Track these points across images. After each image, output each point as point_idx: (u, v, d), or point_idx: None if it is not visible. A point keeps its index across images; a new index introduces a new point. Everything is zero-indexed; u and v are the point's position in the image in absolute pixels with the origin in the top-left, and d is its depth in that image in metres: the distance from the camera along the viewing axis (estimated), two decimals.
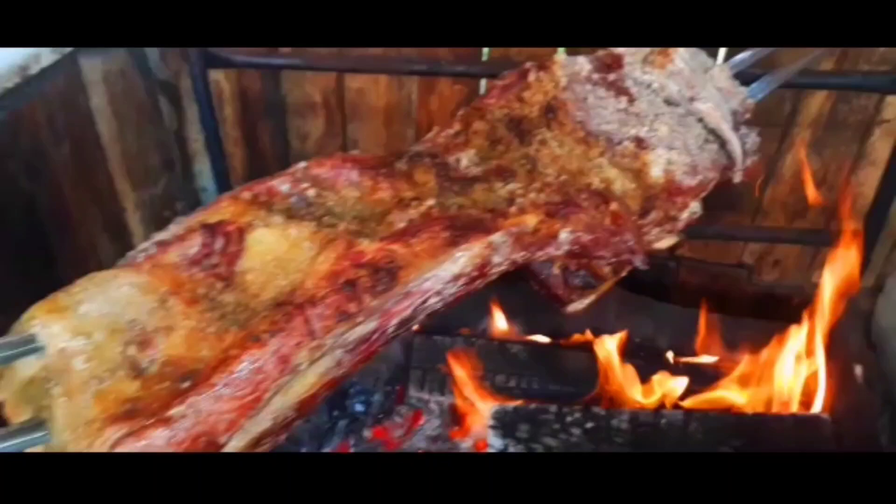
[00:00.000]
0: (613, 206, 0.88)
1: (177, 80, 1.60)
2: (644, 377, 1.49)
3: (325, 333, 0.71)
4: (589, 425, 1.39)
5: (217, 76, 1.59)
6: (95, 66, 1.42)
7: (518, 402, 1.42)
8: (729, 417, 1.43)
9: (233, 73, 1.59)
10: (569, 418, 1.40)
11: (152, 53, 1.54)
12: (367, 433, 1.52)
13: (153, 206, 1.66)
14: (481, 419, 1.46)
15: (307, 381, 0.77)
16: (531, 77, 1.03)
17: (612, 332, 1.56)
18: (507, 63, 1.27)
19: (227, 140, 1.69)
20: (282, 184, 0.85)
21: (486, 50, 1.48)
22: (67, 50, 1.34)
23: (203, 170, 1.73)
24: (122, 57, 1.47)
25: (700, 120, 1.04)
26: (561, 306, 1.11)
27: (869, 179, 1.51)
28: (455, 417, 1.53)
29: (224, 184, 1.56)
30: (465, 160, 0.93)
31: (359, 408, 1.58)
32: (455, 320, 1.67)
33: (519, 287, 1.12)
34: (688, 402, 1.48)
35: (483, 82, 1.54)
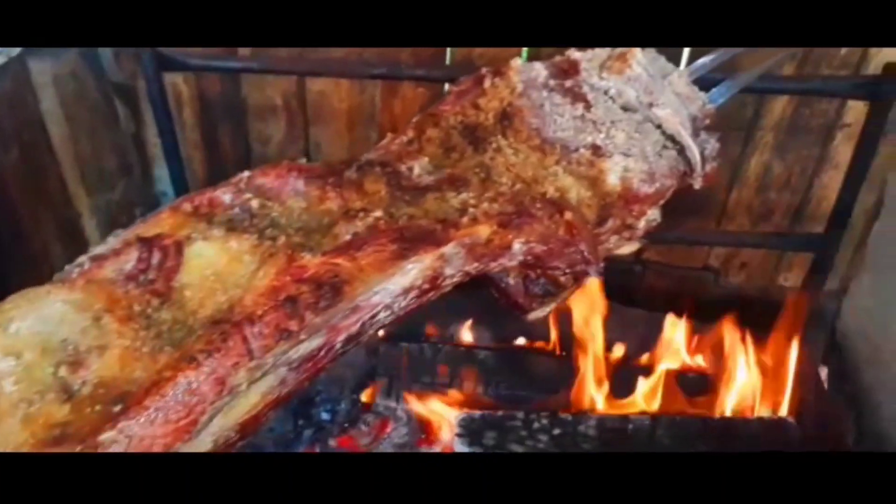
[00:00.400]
0: (568, 215, 0.87)
1: (133, 82, 1.56)
2: (612, 384, 1.48)
3: (265, 353, 0.68)
4: (556, 431, 1.39)
5: (175, 79, 1.55)
6: (45, 68, 1.37)
7: (485, 409, 1.41)
8: (696, 422, 1.43)
9: (191, 75, 1.55)
10: (536, 425, 1.40)
11: (105, 56, 1.50)
12: (332, 442, 1.50)
13: (110, 211, 1.62)
14: (448, 427, 1.45)
15: (250, 401, 0.74)
16: (487, 83, 1.01)
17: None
18: (469, 67, 1.25)
19: (187, 144, 1.65)
20: (224, 194, 0.82)
21: (448, 53, 1.46)
22: (14, 53, 1.30)
23: (163, 174, 1.69)
24: (72, 59, 1.43)
25: (658, 126, 1.03)
26: (522, 314, 1.09)
27: (832, 182, 1.51)
28: (422, 425, 1.52)
29: (182, 188, 1.52)
30: (418, 168, 0.91)
31: (325, 416, 1.56)
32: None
33: (484, 292, 1.11)
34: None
35: (448, 86, 1.52)
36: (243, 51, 1.49)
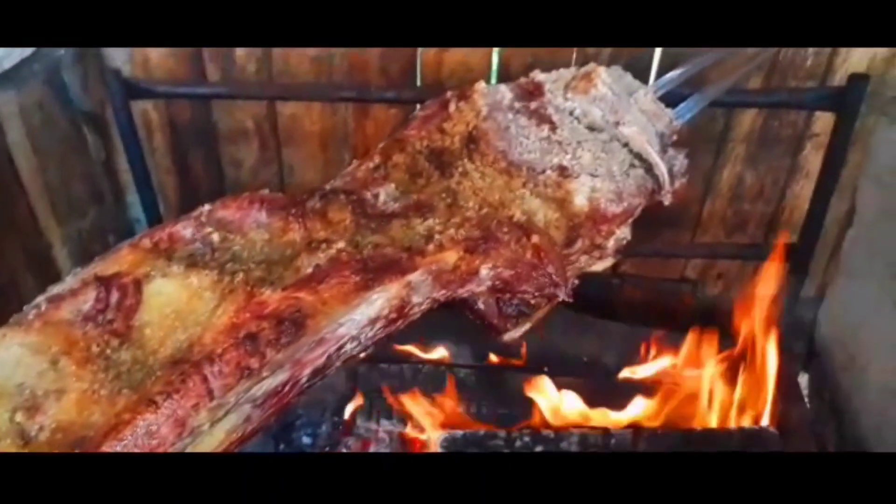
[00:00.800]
0: (535, 238, 0.86)
1: (101, 110, 1.54)
2: (591, 397, 1.48)
3: (225, 392, 0.67)
4: (538, 449, 1.38)
5: (145, 105, 1.54)
6: (10, 99, 1.35)
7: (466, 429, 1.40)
8: (677, 435, 1.43)
9: (160, 101, 1.54)
10: (518, 443, 1.38)
11: (73, 84, 1.48)
12: None
13: (82, 240, 1.60)
14: (431, 447, 1.44)
15: (215, 438, 0.73)
16: (452, 107, 1.01)
17: (558, 352, 1.54)
18: (438, 88, 1.24)
19: (159, 170, 1.63)
20: (184, 228, 0.80)
21: (419, 74, 1.46)
22: None
23: (136, 201, 1.67)
24: (39, 89, 1.41)
25: (625, 145, 1.03)
26: (497, 335, 1.09)
27: (803, 192, 1.52)
28: (404, 446, 1.50)
29: (155, 215, 1.50)
30: (384, 195, 0.90)
31: (305, 440, 1.54)
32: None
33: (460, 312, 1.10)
34: None
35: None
36: (212, 76, 1.48)
